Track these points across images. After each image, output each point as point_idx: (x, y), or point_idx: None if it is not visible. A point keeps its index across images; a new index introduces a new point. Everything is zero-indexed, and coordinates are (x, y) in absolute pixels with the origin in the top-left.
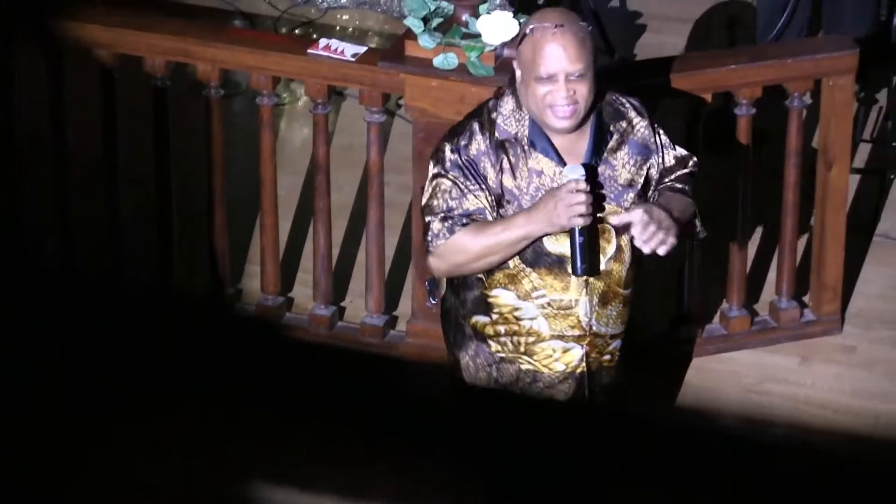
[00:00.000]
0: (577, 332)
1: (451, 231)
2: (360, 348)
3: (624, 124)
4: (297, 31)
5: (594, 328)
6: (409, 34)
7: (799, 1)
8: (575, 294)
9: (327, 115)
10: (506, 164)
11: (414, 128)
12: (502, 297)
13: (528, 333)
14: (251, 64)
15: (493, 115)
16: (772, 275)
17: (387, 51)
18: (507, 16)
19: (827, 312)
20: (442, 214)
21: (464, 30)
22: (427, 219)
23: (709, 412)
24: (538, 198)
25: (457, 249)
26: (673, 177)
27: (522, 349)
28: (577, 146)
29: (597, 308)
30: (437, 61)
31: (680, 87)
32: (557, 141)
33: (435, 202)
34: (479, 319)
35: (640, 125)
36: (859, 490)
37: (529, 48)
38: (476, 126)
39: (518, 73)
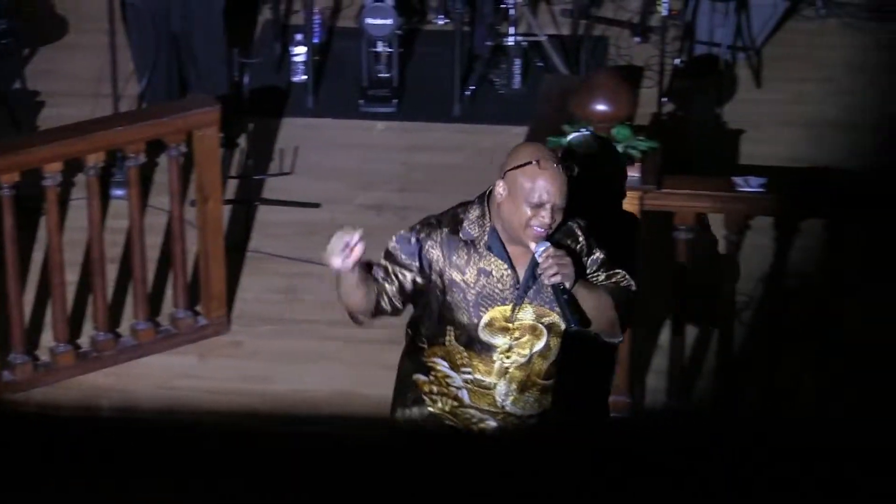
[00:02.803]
0: (492, 409)
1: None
2: None
3: (569, 241)
4: None
5: (507, 409)
6: None
7: (155, 68)
8: (495, 378)
9: None
10: (456, 260)
11: None
12: (438, 365)
13: (454, 399)
14: None
15: (460, 216)
16: (170, 291)
17: None
18: None
19: (216, 317)
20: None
21: None
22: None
23: (130, 408)
24: (484, 294)
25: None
26: (605, 283)
27: (448, 409)
28: (526, 254)
29: (514, 393)
30: None
31: (77, 149)
32: (510, 248)
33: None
34: (420, 378)
35: (581, 243)
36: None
37: (528, 176)
38: (433, 222)
39: (503, 191)
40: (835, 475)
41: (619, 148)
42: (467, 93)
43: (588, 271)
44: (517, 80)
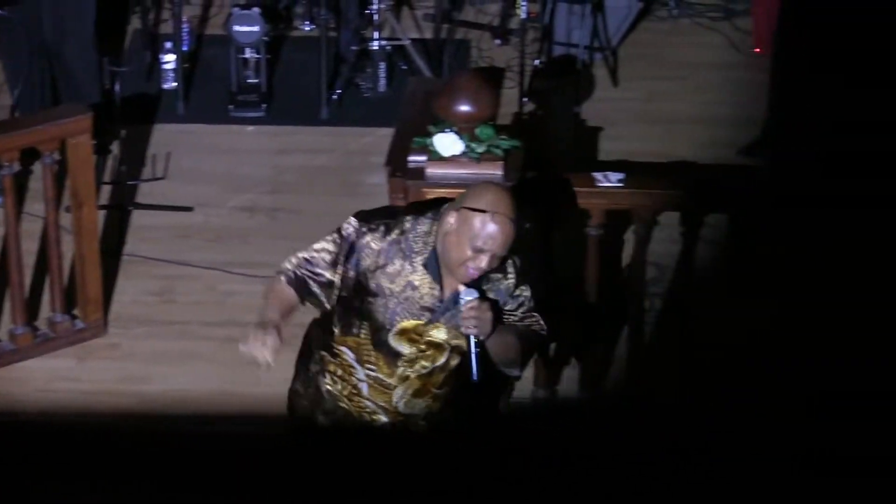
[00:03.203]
0: (385, 406)
1: (295, 276)
2: None
3: (500, 275)
4: None
5: (400, 409)
6: None
7: (27, 78)
8: (395, 382)
9: None
10: (389, 269)
11: None
12: (345, 354)
13: (354, 387)
14: None
15: (407, 226)
16: (47, 296)
17: None
18: None
19: (93, 320)
20: (309, 255)
21: None
22: (313, 245)
23: (10, 412)
24: (405, 306)
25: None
26: (517, 322)
27: (346, 393)
28: (456, 281)
29: (409, 397)
30: None
31: None
32: (444, 272)
33: (318, 245)
34: (326, 356)
35: (511, 280)
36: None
37: (480, 221)
38: (383, 228)
39: (454, 223)
40: (698, 469)
41: (483, 147)
42: (334, 96)
43: (507, 306)
44: (382, 84)
